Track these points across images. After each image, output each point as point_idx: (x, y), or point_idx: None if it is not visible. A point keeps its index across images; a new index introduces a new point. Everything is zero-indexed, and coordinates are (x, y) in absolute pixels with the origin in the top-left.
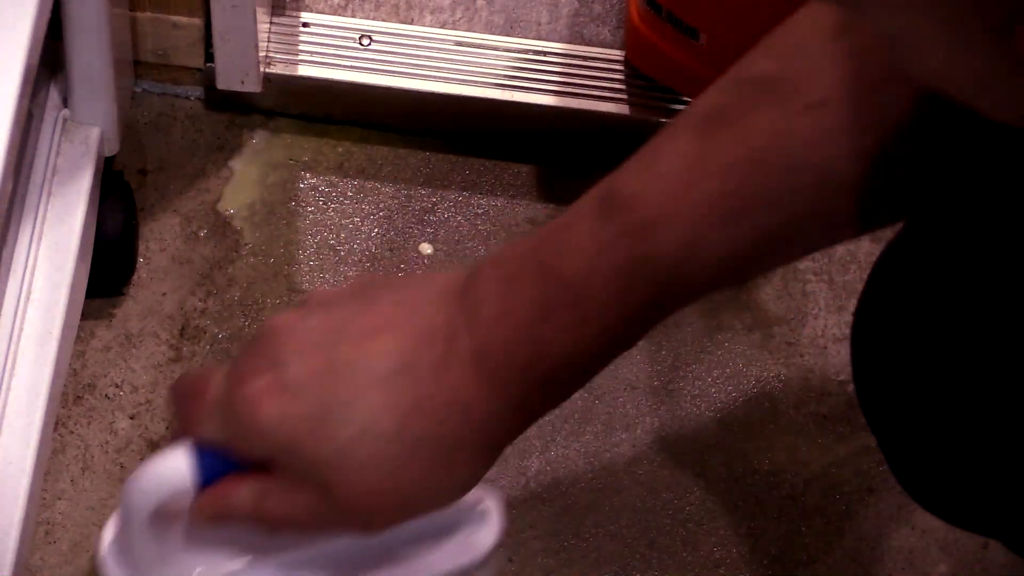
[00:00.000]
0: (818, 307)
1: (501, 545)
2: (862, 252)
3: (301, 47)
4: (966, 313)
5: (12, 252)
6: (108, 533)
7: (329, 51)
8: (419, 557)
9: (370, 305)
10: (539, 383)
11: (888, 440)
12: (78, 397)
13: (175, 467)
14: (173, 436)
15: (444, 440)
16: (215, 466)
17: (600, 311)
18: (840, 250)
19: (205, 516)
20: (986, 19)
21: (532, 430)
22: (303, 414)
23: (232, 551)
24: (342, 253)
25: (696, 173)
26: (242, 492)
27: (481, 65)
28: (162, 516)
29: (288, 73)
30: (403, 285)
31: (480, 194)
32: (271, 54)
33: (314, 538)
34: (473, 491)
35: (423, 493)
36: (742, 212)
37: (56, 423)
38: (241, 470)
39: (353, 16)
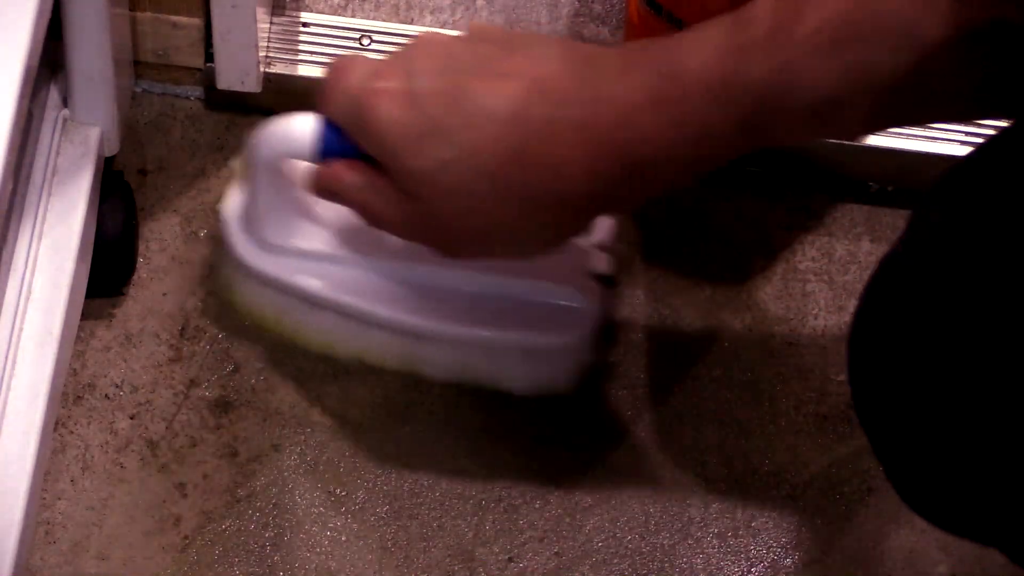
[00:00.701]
0: (818, 307)
1: (586, 341)
2: (862, 252)
3: (301, 47)
4: (965, 323)
5: (12, 252)
6: (231, 199)
7: (329, 51)
8: (511, 317)
9: (512, 51)
10: (632, 167)
11: (884, 446)
12: (78, 397)
13: (301, 130)
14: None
15: (534, 192)
16: (336, 144)
17: (699, 116)
18: (840, 250)
19: (317, 187)
20: None
21: (532, 431)
22: (414, 124)
23: (336, 234)
24: None
25: (798, 9)
26: (351, 177)
27: None
28: (279, 175)
29: (288, 73)
30: (548, 44)
31: None
32: (271, 54)
33: (406, 243)
34: (573, 281)
35: (503, 234)
36: (833, 48)
37: (56, 423)
38: (358, 156)
39: (353, 16)
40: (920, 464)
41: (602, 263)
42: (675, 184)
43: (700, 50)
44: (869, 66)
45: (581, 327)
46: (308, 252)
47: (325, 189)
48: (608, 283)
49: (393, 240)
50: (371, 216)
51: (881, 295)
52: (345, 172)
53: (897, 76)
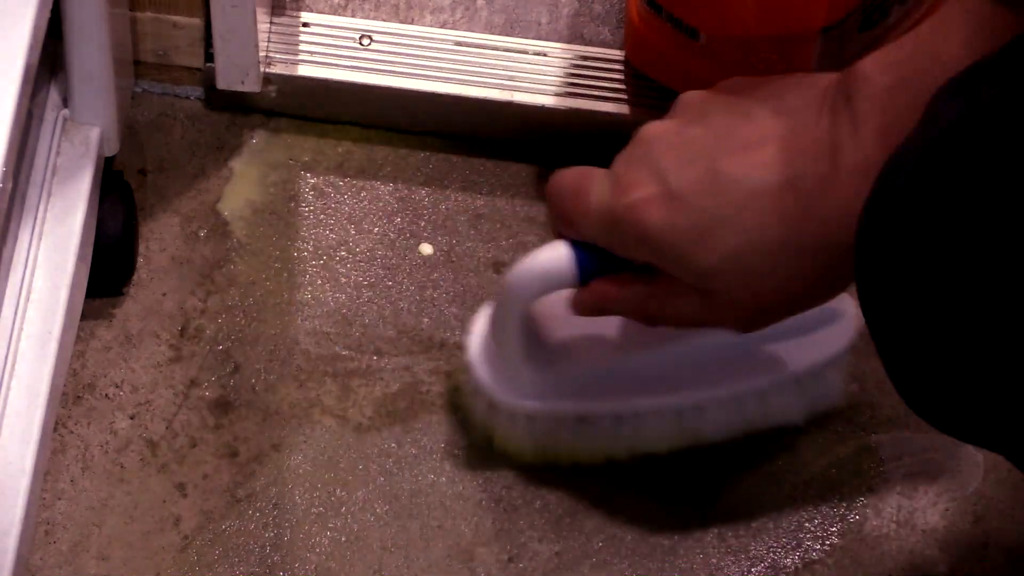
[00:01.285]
0: None
1: (853, 346)
2: None
3: (301, 47)
4: (981, 221)
5: (12, 252)
6: (475, 339)
7: (329, 51)
8: (776, 353)
9: (747, 115)
10: None
11: (889, 347)
12: (78, 397)
13: (558, 262)
14: (553, 231)
15: (829, 250)
16: (595, 264)
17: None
18: None
19: (586, 308)
20: None
21: None
22: (689, 224)
23: (596, 347)
24: (342, 253)
25: None
26: (624, 292)
27: (481, 65)
28: (525, 312)
29: (288, 73)
30: (778, 92)
31: (480, 194)
32: (271, 54)
33: (687, 333)
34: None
35: (806, 297)
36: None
37: (56, 423)
38: (615, 267)
39: (353, 16)
40: (925, 364)
41: None
42: None
43: (954, 57)
44: None
45: (847, 331)
46: (570, 374)
47: (596, 309)
48: None
49: (647, 329)
50: (653, 319)
51: (892, 188)
52: (615, 289)
53: None
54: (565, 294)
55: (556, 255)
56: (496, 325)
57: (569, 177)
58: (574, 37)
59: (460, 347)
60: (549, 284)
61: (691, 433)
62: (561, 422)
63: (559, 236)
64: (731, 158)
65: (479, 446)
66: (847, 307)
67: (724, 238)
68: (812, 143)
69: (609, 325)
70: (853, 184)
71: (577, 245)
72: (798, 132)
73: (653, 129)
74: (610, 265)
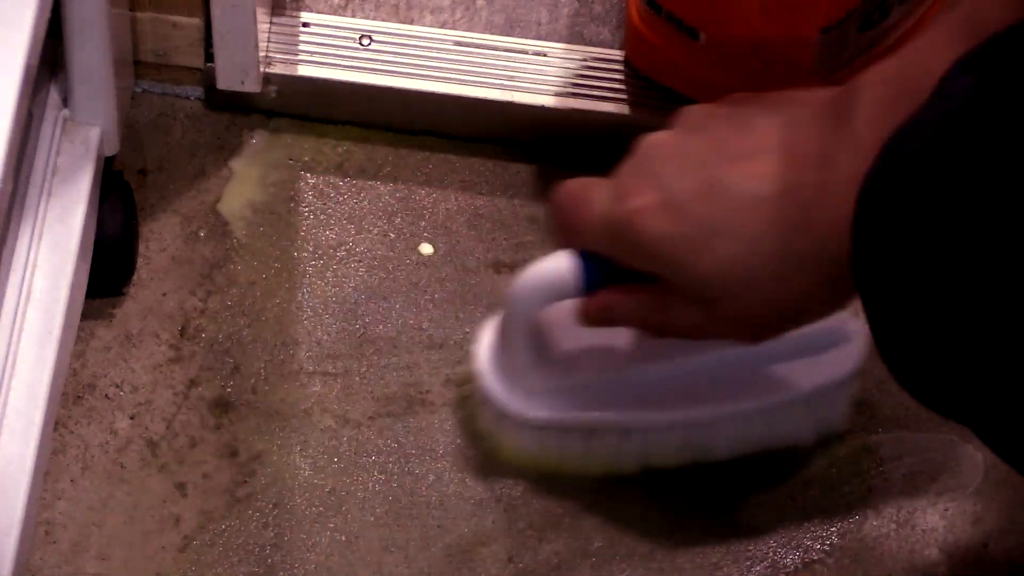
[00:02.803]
0: None
1: (862, 368)
2: None
3: (301, 47)
4: (989, 200)
5: (12, 252)
6: (483, 348)
7: (329, 51)
8: (785, 373)
9: (746, 127)
10: None
11: (881, 323)
12: (78, 397)
13: (561, 271)
14: (557, 243)
15: (826, 259)
16: (598, 273)
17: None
18: None
19: (591, 318)
20: None
21: None
22: (688, 232)
23: (605, 359)
24: (342, 253)
25: None
26: (628, 301)
27: (481, 65)
28: (536, 323)
29: (288, 73)
30: (777, 105)
31: (480, 194)
32: (271, 54)
33: (694, 344)
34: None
35: (805, 307)
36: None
37: (56, 423)
38: (620, 277)
39: (353, 16)
40: (916, 343)
41: None
42: None
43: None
44: None
45: (856, 354)
46: (579, 385)
47: (601, 318)
48: None
49: (655, 342)
50: (658, 329)
51: (900, 158)
52: (618, 298)
53: None
54: (574, 304)
55: (561, 264)
56: (503, 334)
57: (572, 188)
58: (574, 37)
59: (460, 347)
60: (554, 293)
61: (699, 449)
62: (569, 433)
63: (565, 247)
64: (730, 168)
65: (482, 448)
66: (855, 328)
67: (722, 246)
68: (810, 154)
69: (619, 337)
70: (851, 192)
71: (582, 255)
72: (797, 143)
73: (654, 140)
74: (615, 275)
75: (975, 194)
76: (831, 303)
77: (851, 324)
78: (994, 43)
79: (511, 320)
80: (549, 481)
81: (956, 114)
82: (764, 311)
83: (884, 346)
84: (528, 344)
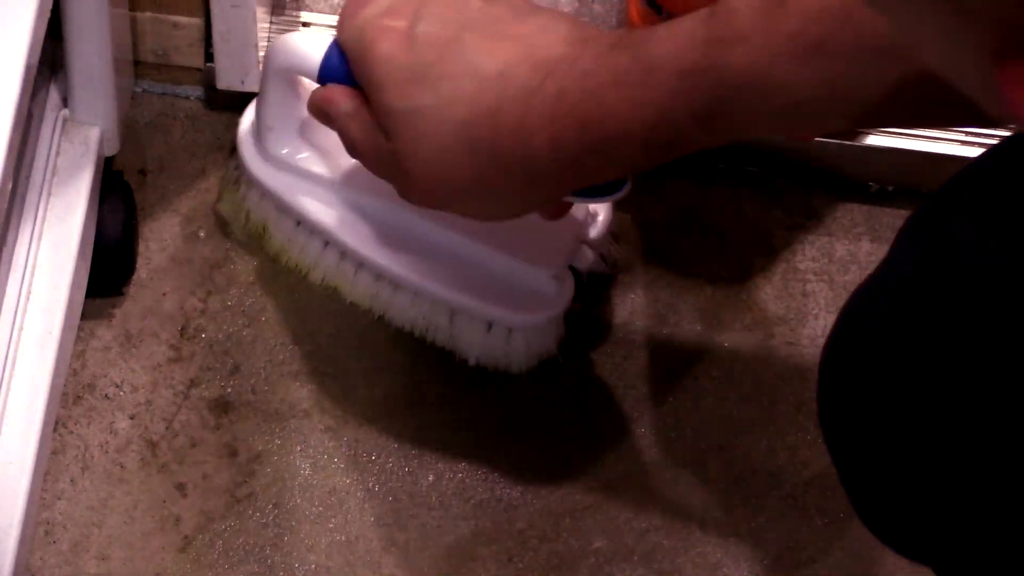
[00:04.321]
0: (818, 307)
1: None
2: (862, 252)
3: None
4: (947, 363)
5: (12, 252)
6: (247, 117)
7: None
8: (484, 284)
9: (522, 19)
10: (592, 143)
11: (847, 469)
12: (78, 397)
13: (310, 49)
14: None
15: (500, 154)
16: (338, 69)
17: (664, 98)
18: (840, 250)
19: (312, 105)
20: (980, 39)
21: (532, 431)
22: (405, 66)
23: (335, 163)
24: None
25: (780, 11)
26: (343, 102)
27: None
28: (290, 90)
29: None
30: (558, 19)
31: None
32: None
33: (376, 176)
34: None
35: (462, 190)
36: (810, 57)
37: (56, 423)
38: (355, 84)
39: None
40: (879, 488)
41: (585, 260)
42: (634, 167)
43: (674, 38)
44: (845, 80)
45: (543, 314)
46: (303, 171)
47: (318, 109)
48: (587, 279)
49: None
50: (349, 144)
51: (856, 325)
52: (338, 96)
53: (875, 91)
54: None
55: (312, 43)
56: (257, 102)
57: None
58: None
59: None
60: (295, 66)
61: (380, 301)
62: (280, 212)
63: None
64: (478, 37)
65: (482, 448)
66: (557, 294)
67: (421, 92)
68: (539, 60)
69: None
70: (541, 105)
71: (335, 47)
72: (538, 47)
73: None
74: (349, 78)
75: (927, 360)
76: (486, 201)
77: (553, 285)
78: (939, 206)
79: (263, 75)
80: (549, 481)
81: (909, 285)
82: (426, 173)
83: (853, 495)
84: (272, 103)
